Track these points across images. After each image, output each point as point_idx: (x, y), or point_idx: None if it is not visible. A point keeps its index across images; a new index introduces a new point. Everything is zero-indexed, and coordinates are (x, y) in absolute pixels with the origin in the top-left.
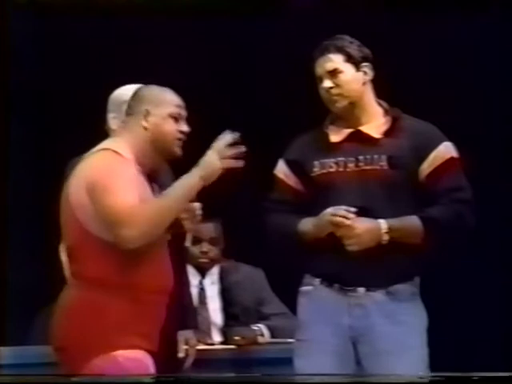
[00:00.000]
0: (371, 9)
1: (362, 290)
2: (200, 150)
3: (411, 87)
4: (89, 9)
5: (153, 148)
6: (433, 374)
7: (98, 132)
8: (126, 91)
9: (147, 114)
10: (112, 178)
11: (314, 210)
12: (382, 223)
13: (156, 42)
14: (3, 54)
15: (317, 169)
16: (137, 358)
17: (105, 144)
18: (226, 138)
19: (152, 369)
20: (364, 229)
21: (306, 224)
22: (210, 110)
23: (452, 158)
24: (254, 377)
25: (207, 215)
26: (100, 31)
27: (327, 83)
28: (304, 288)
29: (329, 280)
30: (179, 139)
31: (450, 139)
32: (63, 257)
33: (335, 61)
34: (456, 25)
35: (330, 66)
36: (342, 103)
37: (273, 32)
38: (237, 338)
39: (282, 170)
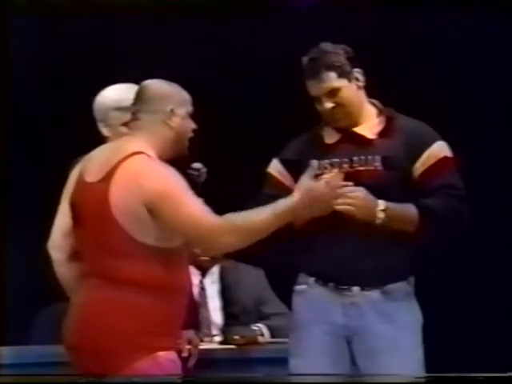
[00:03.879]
0: (368, 8)
1: (356, 289)
2: (197, 149)
3: (407, 87)
4: (89, 9)
5: (171, 146)
6: (428, 375)
7: (99, 132)
8: (107, 98)
9: (172, 113)
10: (175, 185)
11: None
12: (380, 201)
13: (156, 41)
14: (3, 54)
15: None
16: (174, 359)
17: (131, 146)
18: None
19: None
20: (363, 194)
21: None
22: (208, 110)
23: (445, 157)
24: (254, 377)
25: None
26: (100, 31)
27: (328, 105)
28: (298, 287)
29: (323, 279)
30: (190, 137)
31: (444, 138)
32: (56, 253)
33: (330, 80)
34: (454, 24)
35: (326, 87)
36: (345, 121)
37: (271, 32)
38: (237, 337)
39: (275, 167)
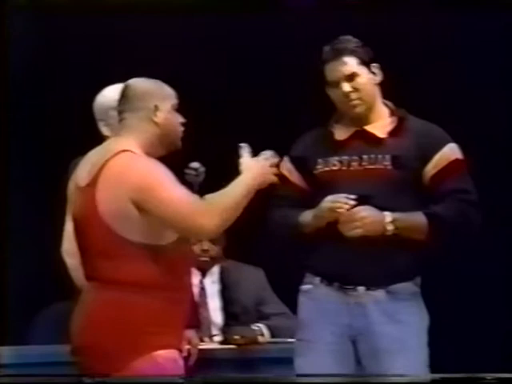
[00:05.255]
0: (372, 8)
1: (361, 288)
2: (200, 149)
3: (415, 88)
4: (89, 9)
5: (160, 142)
6: (433, 375)
7: (99, 132)
8: (107, 97)
9: (156, 109)
10: (157, 175)
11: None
12: (386, 213)
13: (156, 41)
14: (3, 54)
15: (320, 166)
16: (175, 358)
17: (117, 145)
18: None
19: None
20: (367, 214)
21: (307, 215)
22: (209, 110)
23: (457, 160)
24: (254, 377)
25: None
26: (100, 31)
27: (346, 88)
28: (304, 287)
29: (329, 279)
30: (181, 131)
31: (455, 141)
32: (69, 259)
33: (351, 64)
34: (459, 25)
35: (346, 69)
36: (361, 108)
37: (274, 31)
38: (237, 337)
39: (285, 166)
